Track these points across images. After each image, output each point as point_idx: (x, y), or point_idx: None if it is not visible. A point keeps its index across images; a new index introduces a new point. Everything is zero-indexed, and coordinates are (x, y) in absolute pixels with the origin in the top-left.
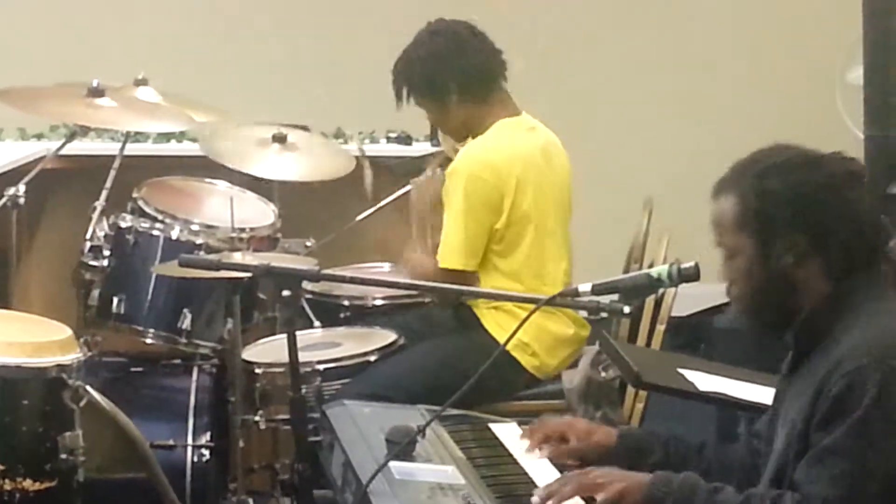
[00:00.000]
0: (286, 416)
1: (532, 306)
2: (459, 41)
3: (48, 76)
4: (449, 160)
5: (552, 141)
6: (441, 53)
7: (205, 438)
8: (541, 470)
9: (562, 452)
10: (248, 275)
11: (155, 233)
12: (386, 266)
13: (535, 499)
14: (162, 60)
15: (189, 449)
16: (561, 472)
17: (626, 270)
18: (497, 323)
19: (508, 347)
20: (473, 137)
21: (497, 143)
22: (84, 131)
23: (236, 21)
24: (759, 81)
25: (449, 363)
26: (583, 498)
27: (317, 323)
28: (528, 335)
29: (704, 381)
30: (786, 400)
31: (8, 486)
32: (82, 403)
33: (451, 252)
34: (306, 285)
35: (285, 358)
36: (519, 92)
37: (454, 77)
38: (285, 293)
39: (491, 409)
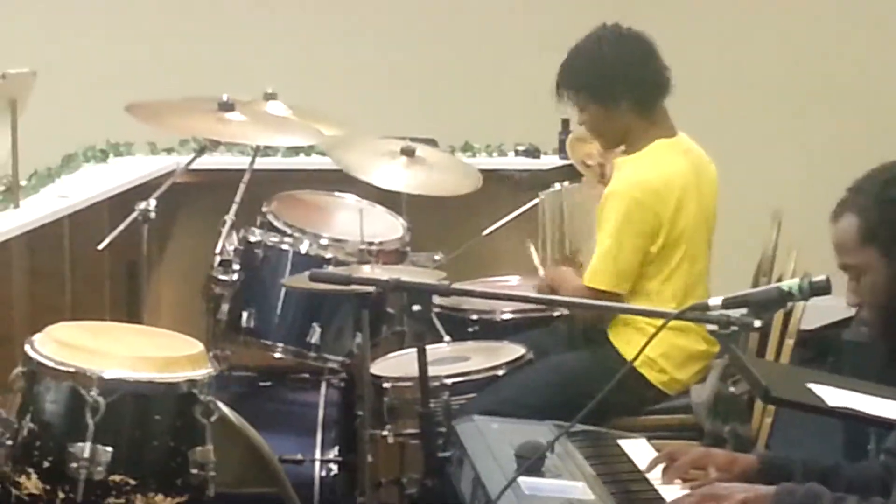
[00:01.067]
0: (414, 431)
1: (661, 322)
2: (645, 50)
3: (177, 91)
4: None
5: (704, 161)
6: (624, 57)
7: (333, 453)
8: (670, 486)
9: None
10: (378, 289)
11: (284, 247)
12: (514, 280)
13: None
14: (291, 74)
15: (317, 463)
16: (685, 480)
17: (755, 284)
18: (625, 339)
19: (636, 364)
20: (627, 149)
21: (657, 166)
22: (214, 146)
23: (363, 34)
24: (888, 94)
25: (576, 379)
26: None
27: (446, 337)
28: (655, 351)
29: (834, 396)
30: None
31: (140, 501)
32: (213, 418)
33: (603, 272)
34: (435, 299)
35: (413, 372)
36: None
37: (633, 84)
38: (415, 308)
39: (619, 425)
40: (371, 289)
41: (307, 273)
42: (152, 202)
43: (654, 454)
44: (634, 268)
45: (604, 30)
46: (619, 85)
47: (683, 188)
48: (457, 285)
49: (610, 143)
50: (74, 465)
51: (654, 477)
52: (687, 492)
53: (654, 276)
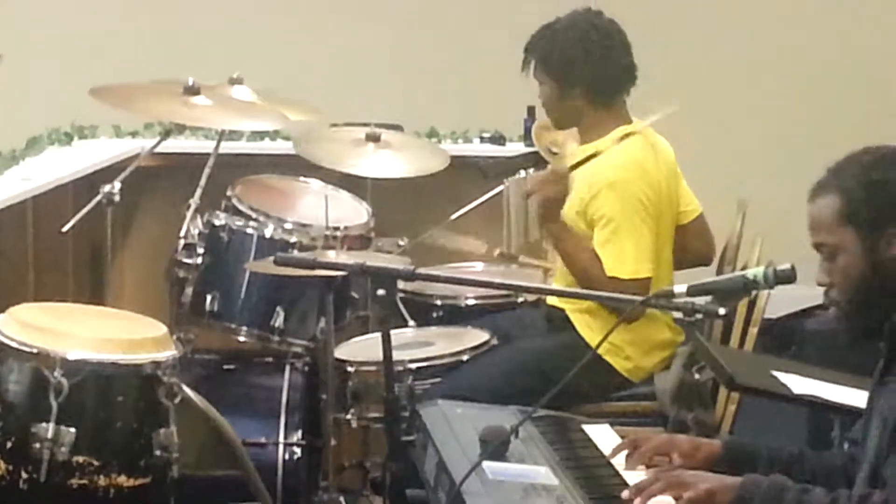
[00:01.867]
0: (378, 415)
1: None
2: (609, 44)
3: (142, 74)
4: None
5: (664, 146)
6: (588, 44)
7: (296, 436)
8: (634, 472)
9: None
10: (343, 273)
11: (249, 231)
12: (478, 266)
13: (625, 494)
14: (256, 59)
15: (281, 447)
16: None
17: (720, 272)
18: (587, 325)
19: (600, 351)
20: (583, 136)
21: (640, 151)
22: (179, 129)
23: (329, 21)
24: (857, 84)
25: (540, 365)
26: (673, 497)
27: (411, 322)
28: (620, 338)
29: (798, 384)
30: (880, 399)
31: (103, 482)
32: (177, 401)
33: (626, 261)
34: (400, 284)
35: (378, 356)
36: None
37: (590, 75)
38: (380, 292)
39: (583, 411)
40: (336, 273)
41: (272, 257)
42: (117, 185)
43: (618, 440)
44: (652, 247)
45: (583, 13)
46: (576, 70)
47: (654, 172)
48: (421, 270)
49: (560, 122)
50: (38, 445)
51: (618, 463)
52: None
53: None
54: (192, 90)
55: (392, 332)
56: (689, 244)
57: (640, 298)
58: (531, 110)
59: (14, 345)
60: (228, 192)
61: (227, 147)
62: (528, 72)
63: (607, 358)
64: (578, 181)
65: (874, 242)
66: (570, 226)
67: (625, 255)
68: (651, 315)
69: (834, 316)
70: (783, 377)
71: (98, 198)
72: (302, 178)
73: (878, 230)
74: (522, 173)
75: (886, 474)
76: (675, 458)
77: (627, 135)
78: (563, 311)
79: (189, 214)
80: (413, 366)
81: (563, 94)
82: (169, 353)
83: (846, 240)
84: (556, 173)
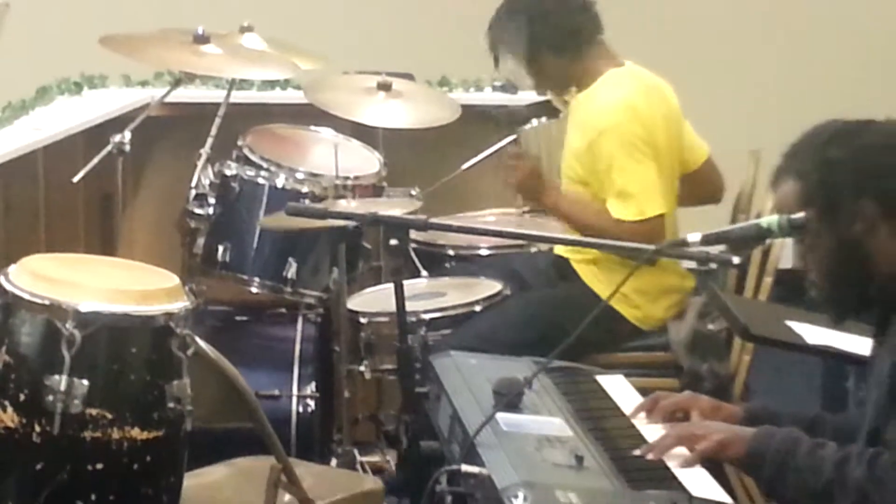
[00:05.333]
0: (391, 367)
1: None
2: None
3: (152, 23)
4: (555, 109)
5: (661, 84)
6: (530, 14)
7: (310, 388)
8: (650, 426)
9: None
10: (354, 223)
11: (260, 181)
12: (491, 216)
13: (637, 451)
14: (266, 8)
15: (294, 399)
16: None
17: (734, 221)
18: (594, 276)
19: (611, 300)
20: (578, 89)
21: (630, 91)
22: (189, 79)
23: None
24: (871, 39)
25: (552, 315)
26: (687, 448)
27: (423, 272)
28: (629, 287)
29: (812, 334)
30: (876, 361)
31: (116, 434)
32: (190, 352)
33: (630, 203)
34: (412, 234)
35: (390, 307)
36: (626, 41)
37: (547, 36)
38: (393, 242)
39: (596, 361)
40: (347, 223)
41: (283, 209)
42: (127, 135)
43: (632, 391)
44: (657, 183)
45: None
46: (533, 39)
47: (646, 110)
48: (434, 220)
49: (557, 89)
50: (51, 397)
51: (637, 418)
52: (666, 431)
53: None
54: (202, 39)
55: (405, 282)
56: (698, 188)
57: (652, 247)
58: None
59: (26, 296)
60: (239, 142)
61: (238, 96)
62: (504, 65)
63: (616, 306)
64: (572, 128)
65: (836, 221)
66: (559, 189)
67: (629, 198)
68: (659, 261)
69: (816, 298)
70: (797, 327)
71: (108, 148)
72: (313, 128)
73: (838, 208)
74: (535, 122)
75: (888, 437)
76: (694, 416)
77: None
78: (567, 260)
79: (200, 164)
80: (426, 316)
81: (540, 66)
82: (181, 304)
83: (810, 222)
84: (514, 156)
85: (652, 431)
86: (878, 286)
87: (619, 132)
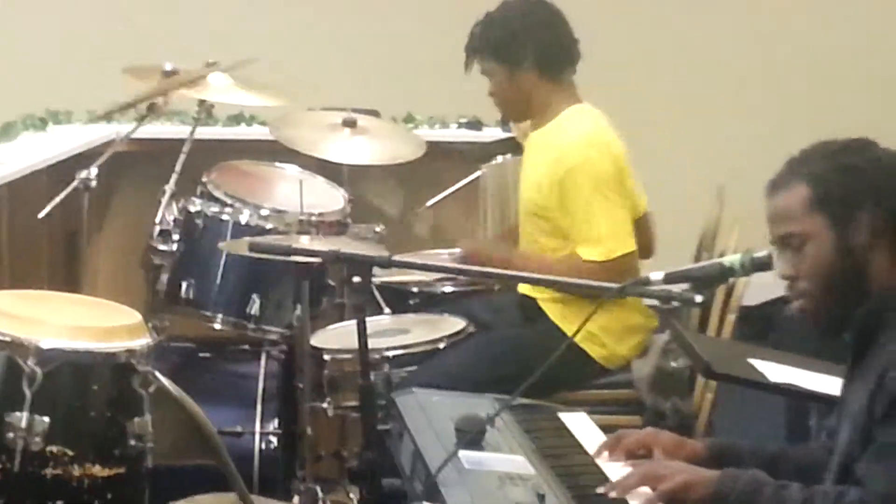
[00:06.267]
0: (355, 404)
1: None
2: (548, 14)
3: (116, 60)
4: (520, 146)
5: (609, 126)
6: (528, 19)
7: (273, 425)
8: (612, 463)
9: None
10: (318, 260)
11: (224, 217)
12: (456, 252)
13: (601, 489)
14: (230, 44)
15: (257, 436)
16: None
17: (697, 259)
18: (560, 314)
19: (576, 338)
20: (535, 121)
21: (594, 125)
22: (155, 113)
23: (306, 5)
24: (835, 73)
25: (517, 353)
26: (650, 488)
27: (386, 310)
28: (594, 325)
29: (775, 372)
30: (849, 393)
31: (77, 471)
32: (151, 389)
33: (601, 243)
34: (376, 271)
35: (354, 344)
36: (589, 78)
37: (535, 46)
38: (355, 279)
39: (560, 399)
40: (311, 260)
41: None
42: (93, 171)
43: (595, 428)
44: (627, 221)
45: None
46: (522, 44)
47: (614, 146)
48: (397, 257)
49: (517, 112)
50: (11, 434)
51: (599, 455)
52: (630, 470)
53: None
54: (170, 74)
55: (368, 319)
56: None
57: (615, 286)
58: None
59: None
60: (204, 178)
61: (203, 132)
62: (471, 70)
63: (582, 345)
64: (532, 161)
65: (844, 228)
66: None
67: (600, 237)
68: (623, 300)
69: (798, 310)
70: (760, 365)
71: (74, 183)
72: (278, 164)
73: (849, 215)
74: (499, 159)
75: (859, 474)
76: (657, 453)
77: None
78: (534, 300)
79: (164, 200)
80: (389, 353)
81: (514, 72)
82: (143, 340)
83: (816, 227)
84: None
85: (614, 469)
86: (864, 308)
87: (590, 168)
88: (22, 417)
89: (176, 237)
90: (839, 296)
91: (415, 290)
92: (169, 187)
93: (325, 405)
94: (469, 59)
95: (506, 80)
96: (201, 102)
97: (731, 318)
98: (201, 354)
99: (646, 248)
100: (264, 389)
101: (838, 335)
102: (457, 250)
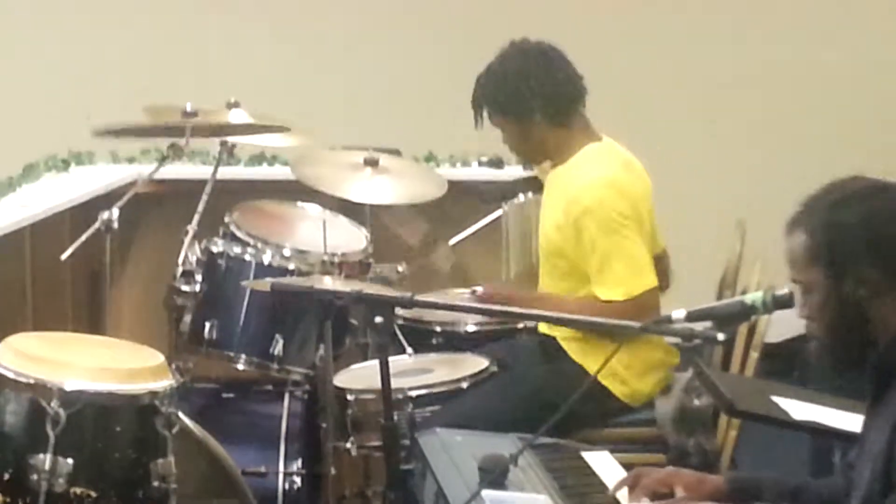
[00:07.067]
0: (378, 444)
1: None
2: (547, 61)
3: (138, 100)
4: (541, 184)
5: (636, 164)
6: (528, 71)
7: (296, 465)
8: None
9: None
10: (341, 301)
11: (247, 258)
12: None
13: None
14: (253, 84)
15: (280, 476)
16: (652, 500)
17: (719, 297)
18: (581, 352)
19: (599, 377)
20: (553, 161)
21: (612, 167)
22: (177, 154)
23: (327, 44)
24: (857, 105)
25: (539, 393)
26: None
27: (409, 349)
28: (616, 362)
29: (798, 410)
30: (870, 432)
31: None
32: (175, 430)
33: (620, 283)
34: (398, 311)
35: (377, 384)
36: (607, 112)
37: (540, 96)
38: (378, 319)
39: (583, 437)
40: (334, 300)
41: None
42: (115, 212)
43: (618, 467)
44: (644, 256)
45: (508, 47)
46: (527, 98)
47: (629, 186)
48: (419, 297)
49: (534, 157)
50: (35, 476)
51: (620, 494)
52: None
53: None
54: (191, 115)
55: (391, 359)
56: None
57: (637, 325)
58: None
59: (11, 375)
60: (226, 219)
61: (225, 173)
62: (481, 124)
63: (604, 383)
64: (549, 201)
65: (840, 282)
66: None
67: (618, 278)
68: (645, 337)
69: (815, 350)
70: (784, 403)
71: (96, 225)
72: (300, 204)
73: (843, 271)
74: (521, 197)
75: None
76: (678, 491)
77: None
78: (554, 338)
79: (187, 241)
80: (412, 393)
81: (524, 127)
82: (166, 382)
83: (815, 279)
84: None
85: None
86: (877, 353)
87: (604, 210)
88: (46, 459)
89: (199, 278)
90: (844, 342)
91: (438, 329)
92: (191, 228)
93: (348, 445)
94: (477, 114)
95: (516, 131)
96: (223, 143)
97: (754, 355)
98: (225, 395)
99: (662, 283)
100: (287, 429)
101: (853, 372)
102: (478, 288)
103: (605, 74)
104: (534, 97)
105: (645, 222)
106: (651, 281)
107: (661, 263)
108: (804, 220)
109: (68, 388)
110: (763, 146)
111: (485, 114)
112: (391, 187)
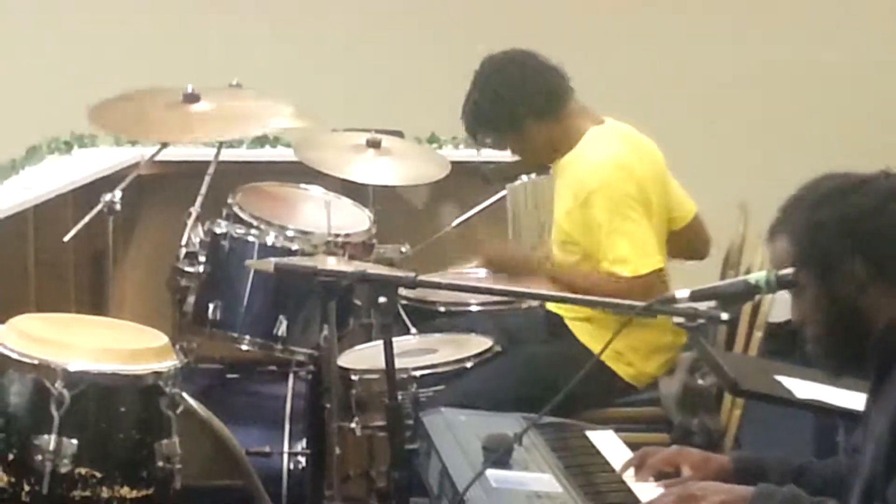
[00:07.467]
0: (382, 423)
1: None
2: (518, 66)
3: (140, 82)
4: (544, 165)
5: (643, 141)
6: (503, 82)
7: (301, 445)
8: (641, 483)
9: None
10: (344, 281)
11: (250, 239)
12: (482, 271)
13: None
14: (256, 65)
15: (285, 456)
16: (658, 479)
17: (723, 277)
18: (587, 332)
19: (602, 357)
20: (561, 153)
21: (615, 147)
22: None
23: (329, 27)
24: (857, 105)
25: (543, 372)
26: None
27: (413, 329)
28: (622, 344)
29: (802, 389)
30: (872, 412)
31: (105, 493)
32: (179, 411)
33: (627, 261)
34: (402, 291)
35: (381, 364)
36: (613, 97)
37: (524, 105)
38: (381, 300)
39: (587, 417)
40: (337, 280)
41: (272, 259)
42: (118, 194)
43: (622, 446)
44: (651, 238)
45: (479, 68)
46: (511, 108)
47: (637, 167)
48: (423, 277)
49: (547, 159)
50: (39, 457)
51: (626, 474)
52: (661, 490)
53: None
54: (192, 97)
55: (395, 339)
56: (686, 246)
57: (641, 304)
58: None
59: (15, 356)
60: (229, 200)
61: (228, 154)
62: (481, 147)
63: (610, 364)
64: (559, 191)
65: (828, 279)
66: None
67: (624, 256)
68: (650, 318)
69: (812, 353)
70: (787, 382)
71: (99, 207)
72: (303, 186)
73: (829, 269)
74: (524, 178)
75: (888, 498)
76: (684, 470)
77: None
78: (560, 317)
79: (190, 223)
80: (416, 373)
81: (523, 135)
82: (170, 363)
83: (804, 280)
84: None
85: (643, 488)
86: (874, 341)
87: (611, 191)
88: (50, 440)
89: (202, 259)
90: (842, 341)
91: (442, 309)
92: (194, 209)
93: (352, 425)
94: (476, 141)
95: (518, 142)
96: None
97: (758, 335)
98: (229, 376)
99: (702, 248)
100: (292, 410)
101: (855, 372)
102: (482, 271)
103: (605, 74)
104: (517, 105)
105: (653, 204)
106: (657, 262)
107: (696, 228)
108: (785, 225)
109: (72, 368)
110: (763, 146)
111: (482, 137)
112: (394, 168)
